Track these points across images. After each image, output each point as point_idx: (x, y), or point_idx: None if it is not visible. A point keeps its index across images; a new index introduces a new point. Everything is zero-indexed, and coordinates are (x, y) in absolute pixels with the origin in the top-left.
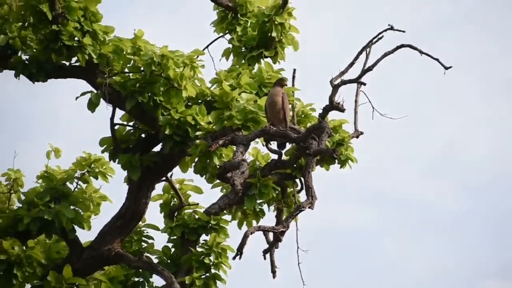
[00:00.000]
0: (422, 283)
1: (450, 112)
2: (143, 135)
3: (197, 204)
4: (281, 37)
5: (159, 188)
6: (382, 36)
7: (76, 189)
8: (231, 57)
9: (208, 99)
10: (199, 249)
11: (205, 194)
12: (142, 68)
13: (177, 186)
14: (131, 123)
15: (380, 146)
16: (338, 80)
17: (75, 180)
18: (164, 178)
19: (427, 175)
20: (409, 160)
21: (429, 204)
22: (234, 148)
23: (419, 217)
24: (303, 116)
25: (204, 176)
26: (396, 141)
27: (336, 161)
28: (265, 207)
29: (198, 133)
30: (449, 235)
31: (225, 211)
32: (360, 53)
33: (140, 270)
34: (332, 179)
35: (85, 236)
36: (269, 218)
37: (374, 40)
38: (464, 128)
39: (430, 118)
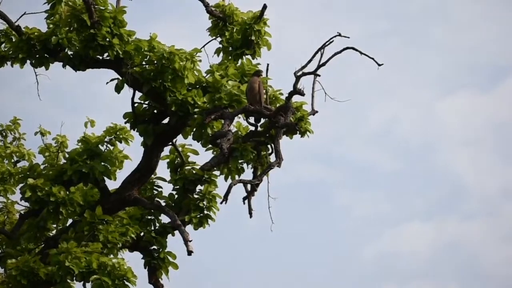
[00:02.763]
0: (363, 225)
1: (386, 98)
2: (155, 111)
3: (195, 162)
4: (258, 40)
5: (166, 150)
6: (333, 41)
7: (105, 150)
8: (221, 54)
9: (203, 85)
10: (196, 196)
11: (200, 155)
12: (155, 62)
13: (180, 149)
14: (146, 102)
15: (330, 122)
16: (300, 72)
17: (105, 143)
18: (170, 143)
19: (368, 144)
20: (354, 133)
21: (370, 165)
22: (223, 121)
23: (363, 176)
24: (273, 98)
25: (200, 142)
26: (343, 118)
27: (298, 132)
28: (245, 165)
29: (196, 110)
30: (384, 188)
31: (215, 168)
32: (316, 52)
33: (152, 211)
34: (295, 146)
35: (112, 185)
36: (247, 174)
37: (327, 43)
38: (397, 110)
39: (370, 102)
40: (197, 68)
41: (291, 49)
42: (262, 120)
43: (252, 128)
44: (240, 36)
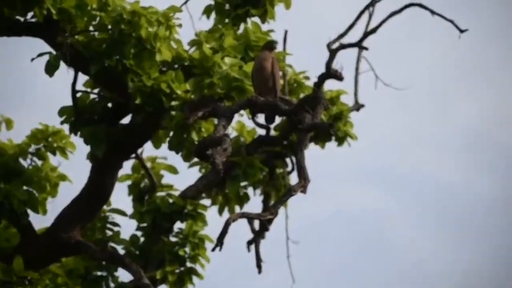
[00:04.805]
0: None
1: (469, 85)
2: (109, 105)
3: (172, 186)
4: None
5: (127, 166)
6: None
7: (30, 167)
8: (213, 15)
9: (185, 63)
10: (172, 239)
11: (180, 175)
12: (109, 27)
13: (148, 164)
14: (95, 90)
15: (383, 120)
16: (337, 44)
17: (29, 156)
18: (133, 155)
19: (441, 154)
20: (428, 138)
21: (458, 191)
22: (215, 121)
23: (445, 207)
24: (295, 85)
25: (180, 153)
26: (402, 115)
27: (333, 137)
28: (250, 190)
29: (173, 103)
30: (484, 230)
31: (203, 195)
32: (362, 12)
33: (104, 263)
34: (329, 159)
35: (40, 221)
36: (254, 204)
37: None
38: (499, 100)
39: (443, 91)
40: (175, 38)
41: (322, 7)
42: (278, 119)
43: (263, 132)
44: None
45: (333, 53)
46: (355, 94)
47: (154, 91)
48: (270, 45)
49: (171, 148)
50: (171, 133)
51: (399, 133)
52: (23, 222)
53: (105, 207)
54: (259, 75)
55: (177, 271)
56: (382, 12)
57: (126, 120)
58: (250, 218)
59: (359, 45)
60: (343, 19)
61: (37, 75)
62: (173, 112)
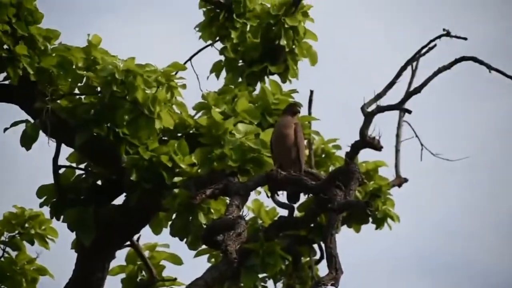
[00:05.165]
0: None
1: None
2: (99, 182)
3: (175, 279)
4: (293, 46)
5: (121, 256)
6: (435, 45)
7: (2, 259)
8: (223, 73)
9: (191, 131)
10: None
11: (185, 265)
12: (98, 89)
13: (146, 253)
14: (82, 165)
15: (430, 197)
16: (373, 106)
17: (1, 246)
18: (128, 243)
19: (508, 239)
20: (476, 217)
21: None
22: (227, 200)
23: None
24: (323, 156)
25: (184, 239)
26: (456, 191)
27: (371, 219)
28: (270, 283)
29: (176, 179)
30: None
31: None
32: (403, 68)
33: None
34: (365, 244)
35: None
36: None
37: (423, 51)
38: None
39: (506, 163)
40: (178, 101)
41: (355, 63)
42: (302, 198)
43: (284, 213)
44: (259, 40)
45: (368, 117)
46: (396, 166)
47: (153, 165)
48: (293, 109)
49: (174, 233)
50: (174, 216)
51: (449, 213)
52: None
53: None
54: (279, 145)
55: None
56: (427, 69)
57: (119, 200)
58: None
59: (400, 107)
60: (381, 77)
61: (11, 147)
62: (176, 190)
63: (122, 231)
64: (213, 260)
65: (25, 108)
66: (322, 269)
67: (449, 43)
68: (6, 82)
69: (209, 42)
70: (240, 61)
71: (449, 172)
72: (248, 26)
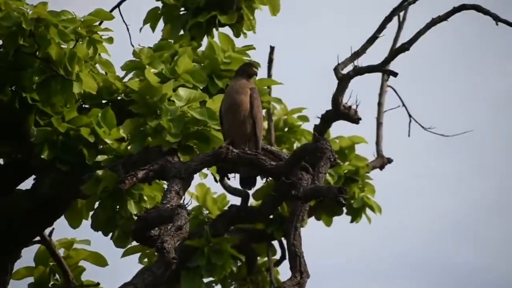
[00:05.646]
0: None
1: None
2: (0, 162)
3: (97, 284)
4: None
5: (28, 256)
6: None
7: None
8: (161, 24)
9: (119, 98)
10: None
11: (111, 267)
12: (0, 42)
13: (61, 252)
14: None
15: (422, 182)
16: (349, 68)
17: None
18: (37, 239)
19: None
20: (481, 211)
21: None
22: (165, 185)
23: None
24: (286, 129)
25: (110, 234)
26: (453, 174)
27: (345, 209)
28: None
29: (100, 157)
30: None
31: None
32: (388, 19)
33: None
34: (338, 240)
35: None
36: None
37: None
38: None
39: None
40: (102, 59)
41: (325, 14)
42: (260, 182)
43: (237, 201)
44: None
45: (343, 81)
46: (378, 143)
47: (70, 140)
48: (248, 70)
49: (96, 226)
50: (97, 204)
51: (444, 203)
52: None
53: None
54: (231, 115)
55: None
56: (418, 20)
57: (26, 185)
58: None
59: (383, 68)
60: (360, 31)
61: None
62: (99, 172)
63: (30, 224)
64: (146, 260)
65: None
66: (284, 272)
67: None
68: None
69: None
70: (182, 8)
71: (444, 150)
72: None
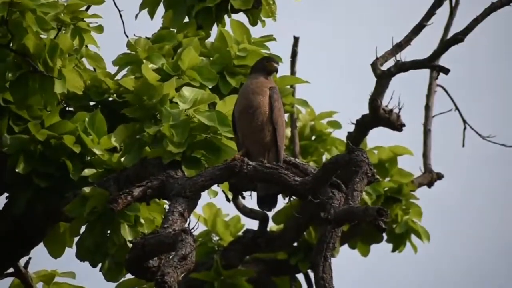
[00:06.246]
0: None
1: None
2: None
3: None
4: None
5: None
6: None
7: None
8: (161, 10)
9: (110, 99)
10: None
11: None
12: None
13: (39, 286)
14: None
15: (479, 201)
16: (390, 62)
17: None
18: (11, 270)
19: None
20: None
21: None
22: (166, 205)
23: None
24: (314, 138)
25: (99, 265)
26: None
27: (385, 235)
28: None
29: (87, 171)
30: None
31: None
32: (437, 4)
33: None
34: (377, 272)
35: None
36: None
37: None
38: None
39: None
40: (90, 52)
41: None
42: (281, 202)
43: (254, 225)
44: None
45: (383, 79)
46: (425, 155)
47: (50, 151)
48: (267, 66)
49: (82, 256)
50: (83, 229)
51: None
52: None
53: None
54: (247, 121)
55: None
56: (475, 5)
57: None
58: None
59: (432, 64)
60: (402, 20)
61: None
62: (86, 189)
63: (1, 252)
64: None
65: None
66: None
67: None
68: None
69: None
70: None
71: (506, 161)
72: None
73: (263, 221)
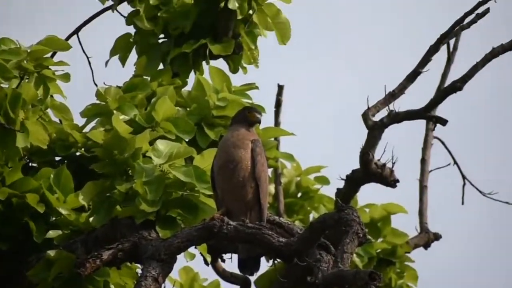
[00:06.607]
0: None
1: None
2: None
3: None
4: (250, 12)
5: None
6: (488, 11)
7: None
8: (133, 55)
9: (78, 153)
10: None
11: None
12: None
13: None
14: None
15: (478, 263)
16: (382, 113)
17: None
18: None
19: None
20: None
21: None
22: (139, 269)
23: None
24: (299, 195)
25: None
26: None
27: None
28: None
29: (52, 233)
30: None
31: None
32: (433, 50)
33: None
34: None
35: None
36: None
37: (466, 20)
38: None
39: None
40: (56, 103)
41: (352, 41)
42: (264, 265)
43: None
44: (193, 1)
45: (375, 131)
46: (421, 213)
47: (11, 211)
48: (250, 116)
49: None
50: None
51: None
52: None
53: None
54: (227, 176)
55: None
56: (472, 51)
57: None
58: None
59: (428, 114)
60: (396, 66)
61: None
62: (51, 253)
63: None
64: None
65: None
66: None
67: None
68: None
69: (109, 3)
70: (161, 35)
71: (510, 222)
72: None
73: (245, 286)
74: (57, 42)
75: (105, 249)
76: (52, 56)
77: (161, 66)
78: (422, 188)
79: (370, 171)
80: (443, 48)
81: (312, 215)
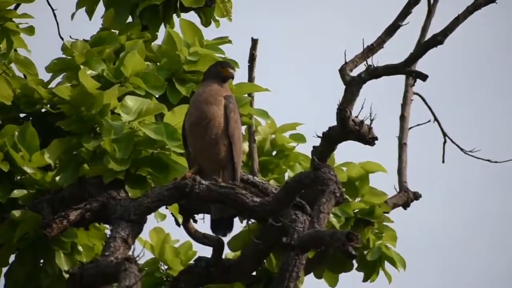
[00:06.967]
0: None
1: None
2: None
3: None
4: None
5: None
6: None
7: None
8: (101, 8)
9: (43, 110)
10: None
11: None
12: None
13: None
14: None
15: (460, 223)
16: (361, 68)
17: None
18: None
19: None
20: None
21: None
22: (107, 230)
23: None
24: (274, 153)
25: None
26: (502, 215)
27: (355, 262)
28: None
29: (17, 193)
30: None
31: None
32: (413, 2)
33: None
34: None
35: None
36: None
37: None
38: None
39: None
40: (20, 57)
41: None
42: (238, 226)
43: (208, 252)
44: None
45: (353, 86)
46: (400, 172)
47: None
48: (222, 71)
49: None
50: (13, 257)
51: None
52: None
53: None
54: (199, 134)
55: None
56: (454, 3)
57: None
58: None
59: (407, 69)
60: (375, 19)
61: None
62: (15, 213)
63: None
64: None
65: None
66: None
67: None
68: None
69: None
70: None
71: (492, 180)
72: None
73: (218, 247)
74: None
75: (72, 209)
76: (16, 8)
77: (129, 19)
78: (402, 145)
79: (347, 128)
80: (424, 0)
81: (288, 174)
